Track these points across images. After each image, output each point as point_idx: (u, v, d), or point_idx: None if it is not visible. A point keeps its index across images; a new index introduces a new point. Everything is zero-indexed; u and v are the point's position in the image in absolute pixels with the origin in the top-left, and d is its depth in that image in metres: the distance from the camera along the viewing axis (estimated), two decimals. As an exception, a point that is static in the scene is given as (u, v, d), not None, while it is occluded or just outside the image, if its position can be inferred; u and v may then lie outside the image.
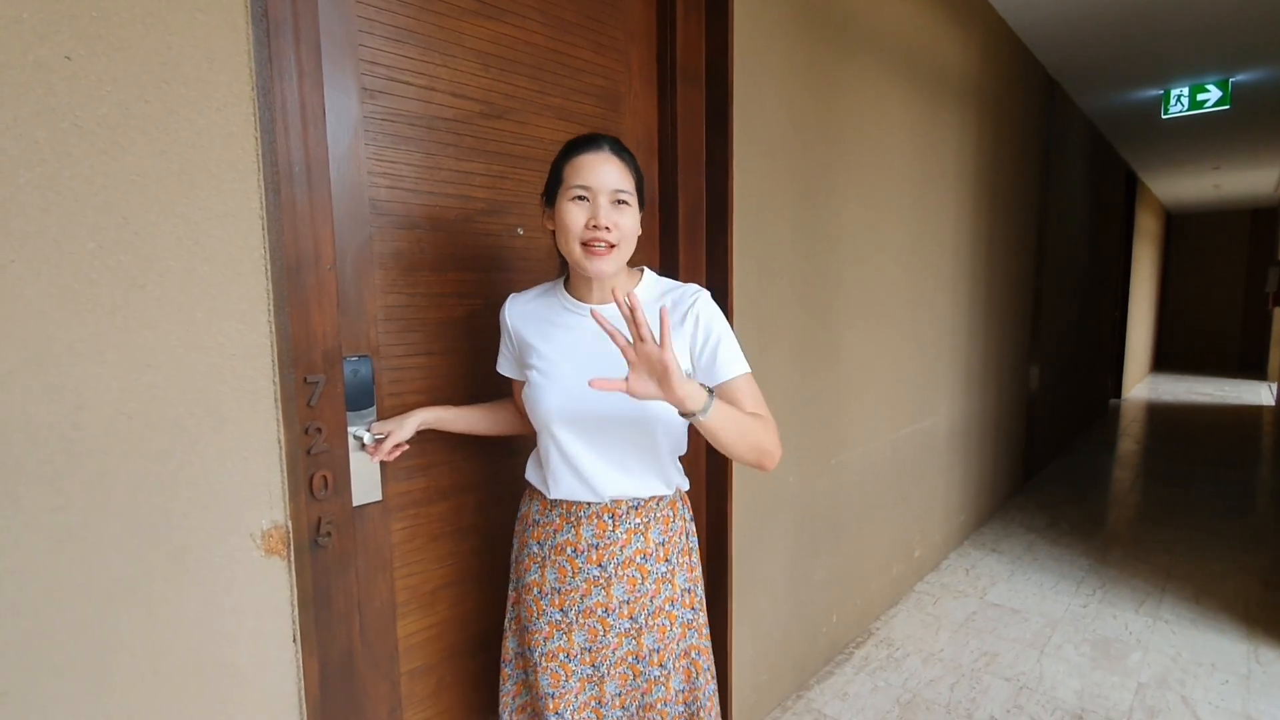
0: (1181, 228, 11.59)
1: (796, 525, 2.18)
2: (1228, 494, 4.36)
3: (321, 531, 1.10)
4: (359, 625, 1.19)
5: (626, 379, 0.92)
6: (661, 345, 0.90)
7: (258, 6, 0.93)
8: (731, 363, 1.09)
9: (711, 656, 1.23)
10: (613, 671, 1.14)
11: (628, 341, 0.92)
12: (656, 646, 1.14)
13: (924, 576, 3.12)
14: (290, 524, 1.00)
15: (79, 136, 0.79)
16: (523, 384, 1.17)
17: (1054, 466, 5.03)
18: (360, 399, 1.17)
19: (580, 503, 1.12)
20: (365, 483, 1.19)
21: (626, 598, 1.12)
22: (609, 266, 1.07)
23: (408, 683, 1.31)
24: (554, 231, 1.11)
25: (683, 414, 0.96)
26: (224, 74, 0.90)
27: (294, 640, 1.01)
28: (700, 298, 1.12)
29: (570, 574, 1.13)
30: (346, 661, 1.17)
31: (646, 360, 0.91)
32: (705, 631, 1.22)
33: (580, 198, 1.05)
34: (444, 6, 1.26)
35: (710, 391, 0.97)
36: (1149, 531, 3.69)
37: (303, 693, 1.03)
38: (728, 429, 0.99)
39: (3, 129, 0.74)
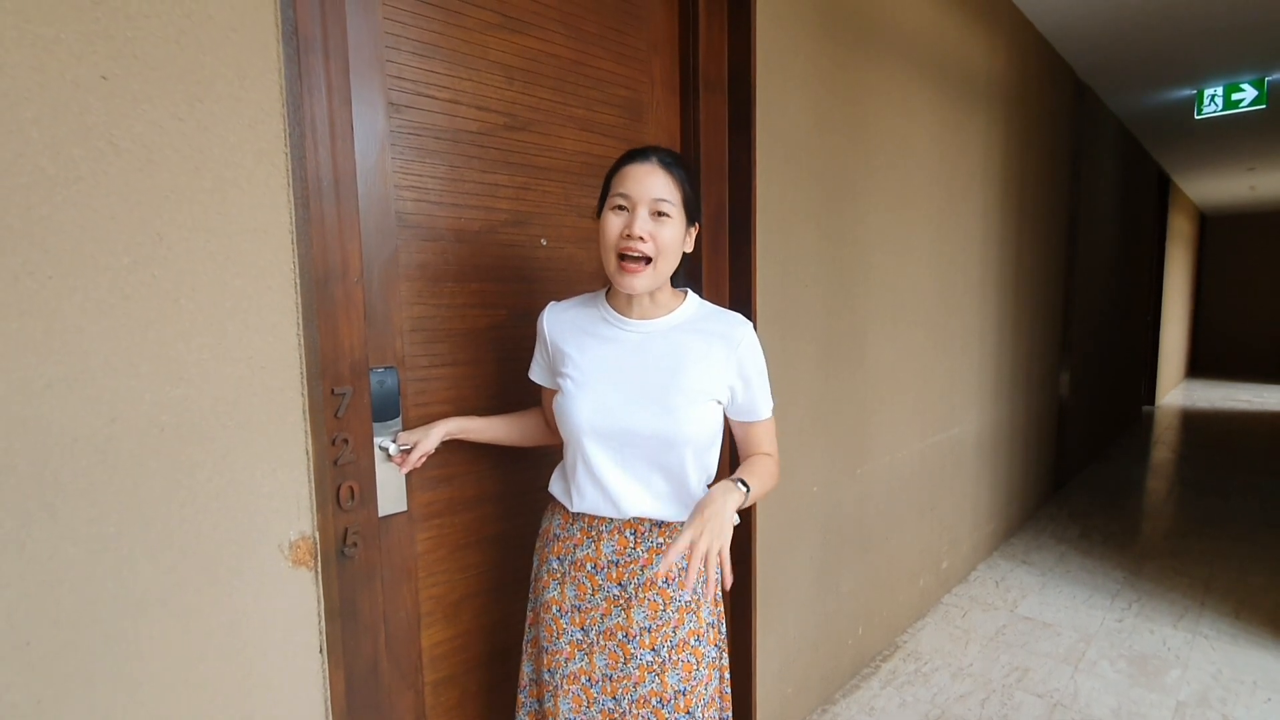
0: (1216, 230, 11.30)
1: (822, 535, 2.15)
2: (1268, 504, 4.22)
3: (348, 542, 1.11)
4: (384, 636, 1.19)
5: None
6: (695, 545, 0.91)
7: (288, 24, 0.94)
8: (764, 405, 1.15)
9: (731, 702, 1.21)
10: (635, 711, 1.10)
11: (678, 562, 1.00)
12: (682, 688, 1.09)
13: (952, 588, 3.06)
14: (318, 535, 1.01)
15: (115, 154, 0.80)
16: (553, 392, 1.16)
17: (1086, 475, 4.92)
18: (386, 410, 1.18)
19: (602, 517, 1.11)
20: (391, 493, 1.20)
21: (648, 624, 1.09)
22: (641, 283, 1.04)
23: (432, 693, 1.31)
24: None
25: None
26: (255, 91, 0.91)
27: (321, 651, 1.02)
28: (747, 335, 1.10)
29: (590, 591, 1.11)
30: (372, 672, 1.17)
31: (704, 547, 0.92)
32: (728, 675, 1.19)
33: (620, 207, 1.03)
34: (468, 21, 1.27)
35: (741, 482, 1.04)
36: (1186, 543, 3.58)
37: (329, 703, 1.04)
38: (756, 497, 1.08)
39: (41, 148, 0.76)
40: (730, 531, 0.95)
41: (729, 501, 0.97)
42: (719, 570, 0.92)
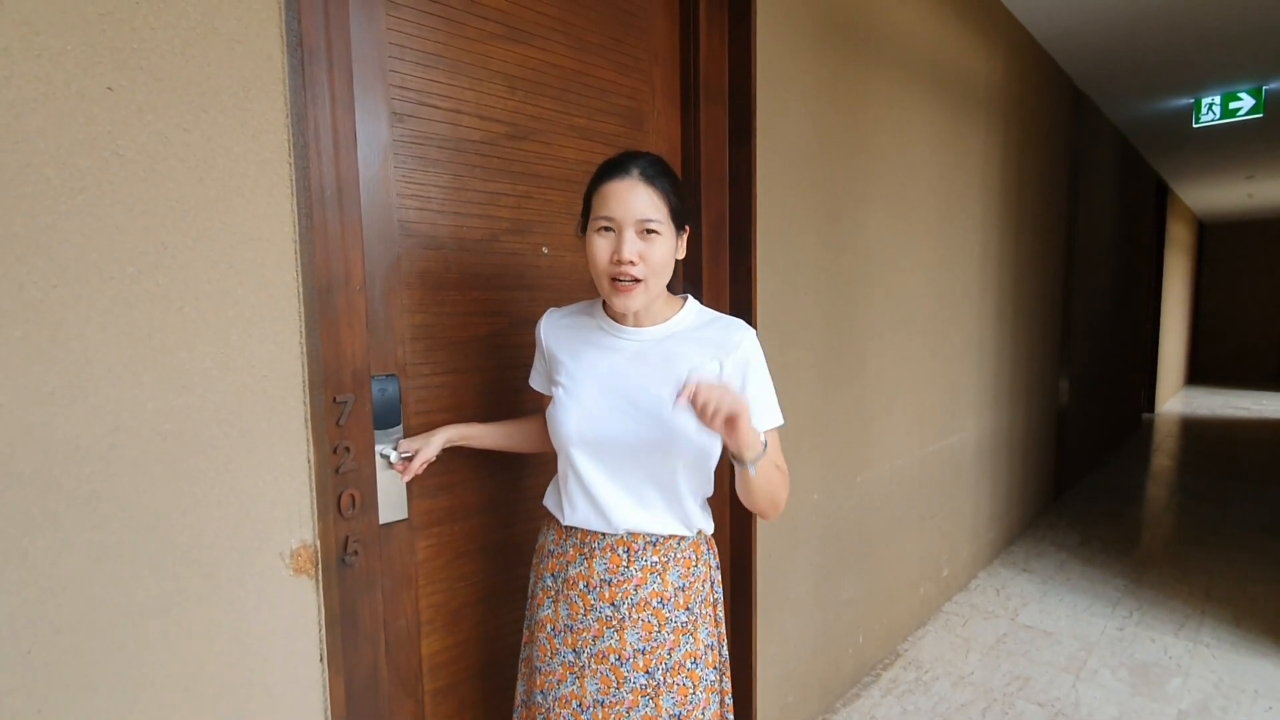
0: (1214, 238, 11.33)
1: (822, 543, 2.15)
2: (1268, 512, 4.22)
3: (349, 550, 1.11)
4: (384, 644, 1.19)
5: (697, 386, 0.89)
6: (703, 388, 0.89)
7: (293, 36, 0.95)
8: (766, 415, 1.07)
9: None
10: None
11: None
12: (678, 713, 1.06)
13: (952, 596, 3.06)
14: (319, 543, 1.01)
15: (120, 164, 0.81)
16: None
17: (1085, 483, 4.92)
18: (387, 417, 1.18)
19: (595, 533, 1.08)
20: (391, 501, 1.20)
21: (641, 646, 1.05)
22: (635, 303, 1.01)
23: (431, 702, 1.31)
24: None
25: (732, 458, 0.98)
26: (260, 102, 0.92)
27: (321, 659, 1.02)
28: (747, 340, 1.07)
29: (582, 611, 1.08)
30: (372, 680, 1.17)
31: (718, 397, 0.88)
32: (729, 700, 1.16)
33: (606, 229, 1.00)
34: (471, 31, 1.28)
35: (764, 445, 0.98)
36: (1186, 551, 3.58)
37: (329, 711, 1.03)
38: (761, 483, 1.01)
39: (46, 158, 0.76)
40: (747, 423, 0.91)
41: (753, 431, 0.95)
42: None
